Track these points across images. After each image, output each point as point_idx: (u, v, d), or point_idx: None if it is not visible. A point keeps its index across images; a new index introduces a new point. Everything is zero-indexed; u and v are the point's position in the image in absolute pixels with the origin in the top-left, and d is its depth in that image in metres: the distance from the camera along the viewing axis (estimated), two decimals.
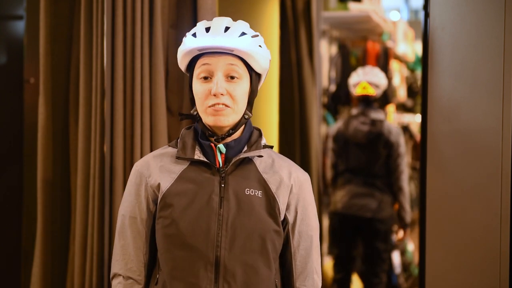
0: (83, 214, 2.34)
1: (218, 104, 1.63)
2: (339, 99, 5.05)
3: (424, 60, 2.30)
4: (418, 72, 7.16)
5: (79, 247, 2.33)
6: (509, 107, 2.18)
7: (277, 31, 3.92)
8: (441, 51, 2.26)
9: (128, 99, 2.28)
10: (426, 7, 2.31)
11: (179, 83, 2.43)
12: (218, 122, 1.65)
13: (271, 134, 3.96)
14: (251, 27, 1.73)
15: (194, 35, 1.66)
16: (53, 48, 2.43)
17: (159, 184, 1.69)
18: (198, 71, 1.66)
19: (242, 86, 1.67)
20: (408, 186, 4.16)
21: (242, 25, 1.68)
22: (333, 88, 5.10)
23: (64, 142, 2.48)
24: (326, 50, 5.10)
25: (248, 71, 1.69)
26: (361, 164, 4.09)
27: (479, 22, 2.22)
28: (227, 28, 1.65)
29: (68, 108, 2.47)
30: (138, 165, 1.75)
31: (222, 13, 2.74)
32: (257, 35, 1.69)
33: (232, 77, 1.65)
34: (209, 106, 1.64)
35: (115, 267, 1.74)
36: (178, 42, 2.40)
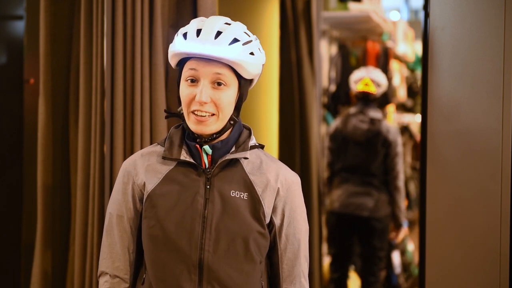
0: (83, 214, 2.34)
1: (201, 111, 1.60)
2: (339, 99, 5.05)
3: (424, 60, 2.30)
4: (418, 72, 7.16)
5: (79, 247, 2.33)
6: (509, 107, 2.18)
7: (277, 31, 3.92)
8: (441, 51, 2.26)
9: (128, 99, 2.28)
10: (426, 7, 2.31)
11: None
12: (200, 131, 1.62)
13: (271, 134, 3.96)
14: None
15: (184, 36, 1.61)
16: (53, 48, 2.43)
17: (144, 184, 1.67)
18: (186, 73, 1.62)
19: (229, 93, 1.62)
20: (404, 186, 4.17)
21: (235, 30, 1.61)
22: (333, 88, 5.10)
23: (64, 142, 2.48)
24: (326, 50, 5.09)
25: (237, 77, 1.63)
26: (359, 162, 4.09)
27: (479, 22, 2.22)
28: (218, 33, 1.59)
29: (68, 108, 2.47)
30: (126, 164, 1.74)
31: (222, 13, 2.74)
32: (250, 41, 1.62)
33: (219, 84, 1.60)
34: (193, 112, 1.61)
35: (102, 265, 1.73)
36: None
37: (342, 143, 4.16)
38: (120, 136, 2.26)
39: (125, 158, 2.27)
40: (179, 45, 1.61)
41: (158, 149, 1.73)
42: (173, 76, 2.42)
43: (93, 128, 2.32)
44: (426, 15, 2.30)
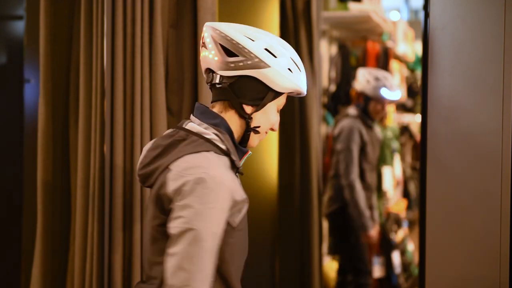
0: (83, 214, 2.34)
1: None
2: (339, 99, 5.04)
3: (424, 60, 2.30)
4: (418, 72, 7.16)
5: (79, 247, 2.33)
6: (509, 107, 2.18)
7: (277, 31, 3.92)
8: (441, 51, 2.25)
9: (128, 99, 2.28)
10: (426, 7, 2.31)
11: (179, 83, 2.43)
12: (254, 145, 1.84)
13: (271, 134, 3.95)
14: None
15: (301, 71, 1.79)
16: (53, 48, 2.43)
17: (245, 198, 1.72)
18: (281, 103, 1.81)
19: None
20: (359, 184, 4.03)
21: None
22: (333, 88, 5.10)
23: (64, 142, 2.48)
24: (326, 50, 5.09)
25: None
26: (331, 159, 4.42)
27: (479, 22, 2.21)
28: None
29: (68, 108, 2.47)
30: (226, 182, 1.63)
31: (222, 13, 2.74)
32: None
33: None
34: (265, 133, 1.83)
35: (205, 286, 1.59)
36: (178, 42, 2.41)
37: None
38: (120, 136, 2.26)
39: (125, 158, 2.27)
40: (303, 84, 1.78)
41: (223, 158, 1.72)
42: (173, 76, 2.42)
43: (93, 128, 2.32)
44: (426, 15, 2.30)
